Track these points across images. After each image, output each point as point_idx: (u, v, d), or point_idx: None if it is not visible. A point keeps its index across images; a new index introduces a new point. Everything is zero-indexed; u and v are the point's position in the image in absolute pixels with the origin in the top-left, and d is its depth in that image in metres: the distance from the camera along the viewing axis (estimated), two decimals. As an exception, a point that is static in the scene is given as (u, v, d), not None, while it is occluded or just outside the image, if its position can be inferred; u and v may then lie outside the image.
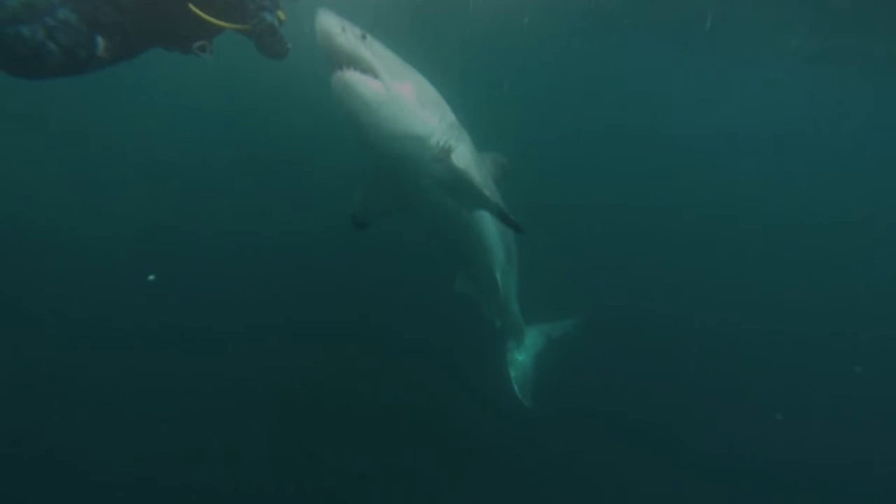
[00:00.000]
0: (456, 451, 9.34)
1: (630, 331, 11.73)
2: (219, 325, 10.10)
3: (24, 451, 8.15)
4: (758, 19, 13.36)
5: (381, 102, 4.77)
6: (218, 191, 13.60)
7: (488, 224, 6.54)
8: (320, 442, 8.94)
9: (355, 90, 4.63)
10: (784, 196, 19.98)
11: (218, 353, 9.61)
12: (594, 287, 12.16)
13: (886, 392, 12.50)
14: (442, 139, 5.25)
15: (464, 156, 5.55)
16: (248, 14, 4.52)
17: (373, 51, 4.65)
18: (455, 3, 14.30)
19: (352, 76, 4.58)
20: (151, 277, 10.22)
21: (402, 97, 4.92)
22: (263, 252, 11.77)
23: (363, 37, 4.60)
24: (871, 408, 12.09)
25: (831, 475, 10.59)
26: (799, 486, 10.34)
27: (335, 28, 4.45)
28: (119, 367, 9.29)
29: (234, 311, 10.32)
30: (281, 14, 4.76)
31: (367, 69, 4.60)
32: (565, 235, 13.52)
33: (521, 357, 8.85)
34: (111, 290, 10.49)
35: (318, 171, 12.98)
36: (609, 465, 9.71)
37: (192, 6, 3.88)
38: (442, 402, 9.70)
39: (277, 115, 16.09)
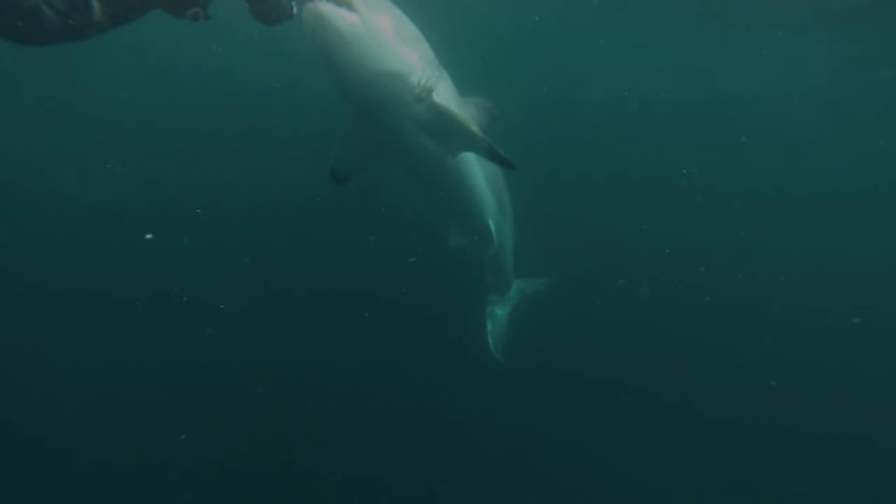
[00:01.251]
0: (443, 419, 9.34)
1: (619, 296, 11.82)
2: (212, 302, 9.92)
3: (17, 432, 8.05)
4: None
5: (357, 37, 4.46)
6: (216, 162, 13.33)
7: (475, 169, 6.28)
8: (316, 419, 8.90)
9: (329, 23, 4.31)
10: (780, 164, 19.75)
11: (209, 331, 9.51)
12: (585, 253, 12.47)
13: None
14: (423, 77, 4.96)
15: (445, 95, 5.31)
16: None
17: None
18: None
19: (325, 7, 4.26)
20: (149, 236, 10.11)
21: (381, 31, 4.59)
22: (257, 226, 11.61)
23: None
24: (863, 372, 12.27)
25: (823, 442, 10.73)
26: (787, 450, 10.44)
27: None
28: (114, 346, 9.23)
29: (229, 287, 10.13)
30: None
31: (341, 0, 4.30)
32: (558, 203, 13.55)
33: (500, 311, 8.71)
34: (105, 265, 10.40)
35: (316, 144, 12.77)
36: (601, 432, 9.77)
37: None
38: (431, 371, 9.73)
39: (278, 83, 15.63)
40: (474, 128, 5.23)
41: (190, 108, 15.40)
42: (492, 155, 5.34)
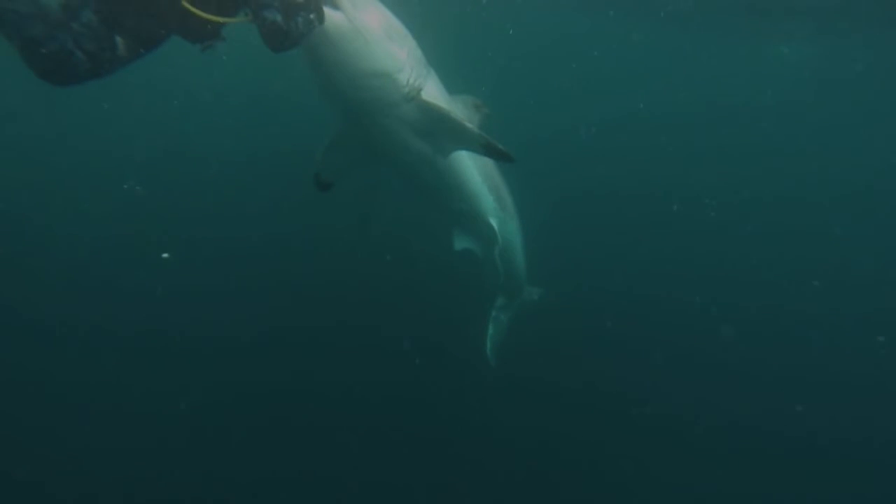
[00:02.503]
0: (455, 446, 9.24)
1: (632, 312, 11.87)
2: (214, 331, 9.98)
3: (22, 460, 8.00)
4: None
5: (344, 36, 4.34)
6: (217, 193, 13.37)
7: (468, 167, 6.09)
8: (322, 456, 8.81)
9: None
10: (782, 172, 19.86)
11: (213, 360, 9.53)
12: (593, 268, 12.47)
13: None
14: (412, 75, 4.83)
15: (433, 93, 5.20)
16: (251, 10, 3.88)
17: None
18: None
19: None
20: (165, 255, 10.09)
21: (368, 29, 4.46)
22: (257, 256, 11.63)
23: None
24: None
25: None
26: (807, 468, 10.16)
27: None
28: (119, 376, 9.19)
29: (231, 316, 10.19)
30: None
31: None
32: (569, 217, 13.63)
33: (504, 316, 8.44)
34: (108, 295, 10.40)
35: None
36: (614, 451, 9.66)
37: (185, 3, 3.51)
38: (443, 393, 9.63)
39: (285, 111, 15.52)
40: (468, 124, 5.10)
41: (201, 133, 15.55)
42: (488, 150, 5.17)
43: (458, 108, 5.60)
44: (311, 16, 3.95)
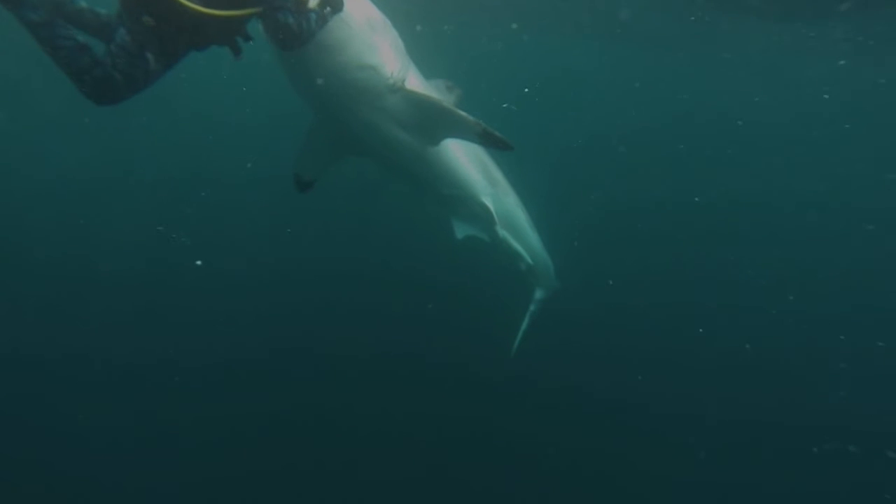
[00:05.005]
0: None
1: (644, 319, 12.01)
2: (243, 360, 9.95)
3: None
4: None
5: (328, 28, 4.14)
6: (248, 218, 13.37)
7: (452, 150, 5.88)
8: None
9: None
10: (803, 183, 19.99)
11: (241, 390, 9.54)
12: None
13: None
14: (395, 66, 4.71)
15: (415, 83, 5.06)
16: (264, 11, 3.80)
17: None
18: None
19: None
20: (199, 263, 10.11)
21: (351, 21, 4.33)
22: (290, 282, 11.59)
23: None
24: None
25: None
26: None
27: None
28: (151, 407, 9.20)
29: (265, 344, 10.16)
30: None
31: None
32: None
33: (538, 311, 8.11)
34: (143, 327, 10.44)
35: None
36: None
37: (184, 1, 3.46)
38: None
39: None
40: (462, 112, 4.89)
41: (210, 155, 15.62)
42: (484, 138, 4.91)
43: (436, 95, 5.41)
44: (326, 10, 3.95)
